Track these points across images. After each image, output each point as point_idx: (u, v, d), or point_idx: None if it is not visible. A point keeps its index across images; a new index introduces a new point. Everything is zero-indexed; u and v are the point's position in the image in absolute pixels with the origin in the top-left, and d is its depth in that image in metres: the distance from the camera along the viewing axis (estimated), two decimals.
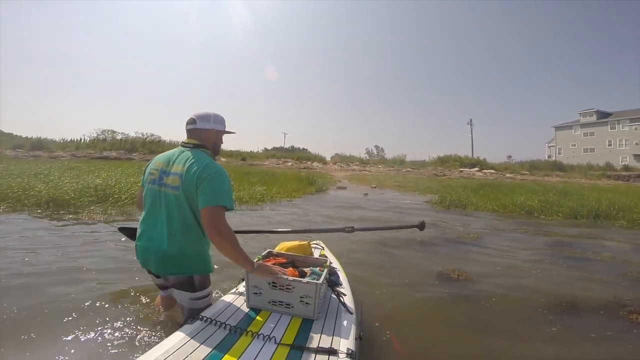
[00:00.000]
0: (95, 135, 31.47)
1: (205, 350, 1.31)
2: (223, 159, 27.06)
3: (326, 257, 2.41)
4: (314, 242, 2.97)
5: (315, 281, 1.64)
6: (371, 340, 2.04)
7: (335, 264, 2.44)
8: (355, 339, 1.54)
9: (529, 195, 9.89)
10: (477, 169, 29.08)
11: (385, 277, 3.41)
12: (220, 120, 1.88)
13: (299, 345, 1.38)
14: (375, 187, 14.32)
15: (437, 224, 6.46)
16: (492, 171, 28.34)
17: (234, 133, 1.99)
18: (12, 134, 36.87)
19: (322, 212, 7.46)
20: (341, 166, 29.38)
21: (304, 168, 24.52)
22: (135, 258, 1.91)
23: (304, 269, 1.90)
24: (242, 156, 29.40)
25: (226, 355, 1.29)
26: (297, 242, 2.24)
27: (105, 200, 6.40)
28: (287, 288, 1.65)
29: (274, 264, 1.84)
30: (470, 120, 47.61)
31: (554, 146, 47.17)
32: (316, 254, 2.51)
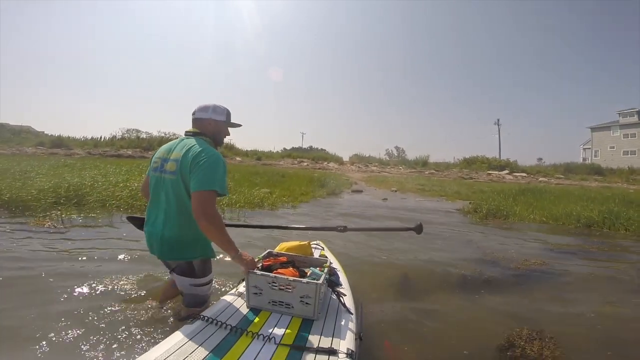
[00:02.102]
0: (120, 134, 31.35)
1: (205, 350, 1.31)
2: (238, 158, 26.39)
3: (326, 257, 2.39)
4: (314, 242, 2.94)
5: (315, 281, 1.63)
6: (371, 340, 2.02)
7: (335, 264, 2.42)
8: (355, 339, 1.52)
9: (582, 204, 8.25)
10: (506, 171, 27.06)
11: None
12: (219, 111, 1.90)
13: (299, 345, 1.38)
14: (396, 191, 12.52)
15: (477, 243, 5.05)
16: (523, 174, 26.29)
17: (239, 126, 1.99)
18: (43, 132, 37.84)
19: (326, 223, 6.18)
20: (359, 167, 27.93)
21: (319, 168, 23.29)
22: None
23: (304, 269, 1.90)
24: (258, 155, 28.52)
25: (226, 355, 1.29)
26: (297, 242, 2.22)
27: (68, 202, 5.40)
28: (287, 288, 1.64)
29: (274, 264, 1.86)
30: (498, 120, 44.80)
31: (589, 148, 44.66)
32: (316, 254, 2.48)
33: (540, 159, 40.74)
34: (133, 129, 32.18)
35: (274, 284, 1.65)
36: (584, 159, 43.38)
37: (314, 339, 1.44)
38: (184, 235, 1.75)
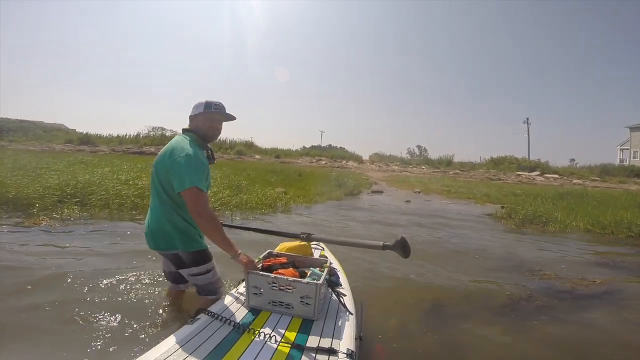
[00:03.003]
0: (146, 131, 31.82)
1: (205, 350, 1.31)
2: (257, 156, 26.26)
3: (326, 257, 2.37)
4: (314, 242, 2.81)
5: (315, 281, 1.63)
6: (371, 341, 2.02)
7: (335, 265, 2.38)
8: (355, 339, 1.52)
9: (632, 211, 7.34)
10: (537, 172, 25.54)
11: None
12: (196, 105, 1.90)
13: (299, 345, 1.37)
14: (419, 192, 11.76)
15: (518, 255, 4.40)
16: (555, 176, 24.69)
17: (230, 118, 1.97)
18: (74, 130, 39.26)
19: (344, 228, 5.67)
20: (379, 166, 27.13)
21: (338, 167, 22.71)
22: None
23: (304, 270, 1.90)
24: (277, 153, 28.30)
25: (226, 356, 1.29)
26: (297, 243, 2.19)
27: (70, 201, 5.16)
28: (287, 288, 1.64)
29: (274, 264, 1.86)
30: (527, 119, 42.75)
31: (627, 149, 42.01)
32: (316, 254, 2.45)
33: (572, 160, 38.59)
34: (159, 127, 32.66)
35: (274, 284, 1.65)
36: (622, 160, 40.86)
37: (314, 339, 1.44)
38: (164, 226, 1.81)
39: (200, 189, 1.65)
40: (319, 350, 1.34)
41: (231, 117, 1.96)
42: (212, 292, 1.93)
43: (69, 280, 2.60)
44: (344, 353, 1.34)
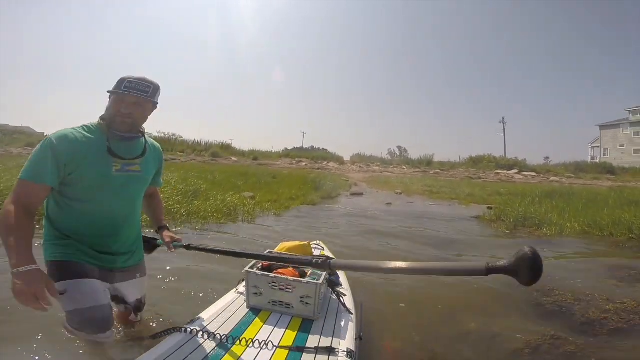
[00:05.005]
0: None
1: (204, 351, 1.30)
2: (234, 158, 25.16)
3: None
4: (314, 242, 2.86)
5: (315, 281, 1.63)
6: (371, 340, 1.97)
7: None
8: (355, 338, 1.51)
9: (627, 209, 6.88)
10: (515, 171, 25.76)
11: None
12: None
13: (299, 347, 1.37)
14: (400, 194, 11.09)
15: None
16: (533, 174, 24.98)
17: (147, 100, 1.46)
18: (43, 133, 36.72)
19: (312, 237, 4.84)
20: (360, 167, 26.51)
21: (318, 169, 21.90)
22: None
23: (305, 269, 1.85)
24: (255, 155, 27.19)
25: (225, 356, 1.28)
26: (297, 242, 2.21)
27: None
28: (287, 288, 1.64)
29: (274, 264, 1.80)
30: (503, 118, 43.70)
31: (598, 147, 43.63)
32: (316, 253, 2.34)
33: (547, 158, 39.38)
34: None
35: (274, 284, 1.65)
36: (593, 158, 42.30)
37: (313, 339, 1.44)
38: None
39: (24, 181, 1.30)
40: (319, 349, 1.33)
41: (148, 98, 1.43)
42: (65, 326, 1.42)
43: None
44: (344, 352, 1.34)
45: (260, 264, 1.79)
